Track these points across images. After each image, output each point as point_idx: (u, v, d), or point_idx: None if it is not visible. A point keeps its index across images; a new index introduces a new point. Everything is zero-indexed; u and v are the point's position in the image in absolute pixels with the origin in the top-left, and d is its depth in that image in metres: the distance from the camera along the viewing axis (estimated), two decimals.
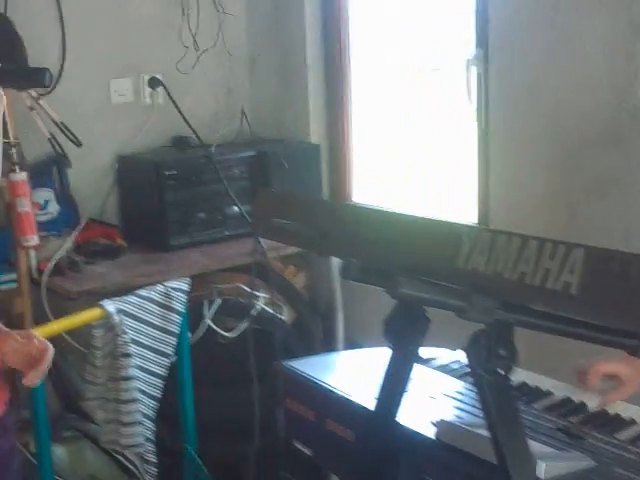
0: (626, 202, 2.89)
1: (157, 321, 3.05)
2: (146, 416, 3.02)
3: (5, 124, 3.18)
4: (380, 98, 3.92)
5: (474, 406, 1.93)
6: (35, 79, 3.24)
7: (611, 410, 1.98)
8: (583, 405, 2.01)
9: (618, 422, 1.93)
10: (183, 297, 3.10)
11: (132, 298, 3.00)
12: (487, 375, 1.44)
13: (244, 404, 3.48)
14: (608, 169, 2.93)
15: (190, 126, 3.69)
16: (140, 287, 3.08)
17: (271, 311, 3.48)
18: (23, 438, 2.90)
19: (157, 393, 3.07)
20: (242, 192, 3.66)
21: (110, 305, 2.92)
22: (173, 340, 3.09)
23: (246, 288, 3.53)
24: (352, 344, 3.77)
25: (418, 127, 3.82)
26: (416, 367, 1.88)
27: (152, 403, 3.06)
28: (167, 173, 3.52)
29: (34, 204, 3.27)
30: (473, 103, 3.32)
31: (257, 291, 3.55)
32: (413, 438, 1.88)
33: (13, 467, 2.24)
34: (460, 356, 2.34)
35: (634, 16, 2.76)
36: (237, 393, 3.51)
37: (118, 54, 3.80)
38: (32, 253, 3.24)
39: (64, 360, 3.46)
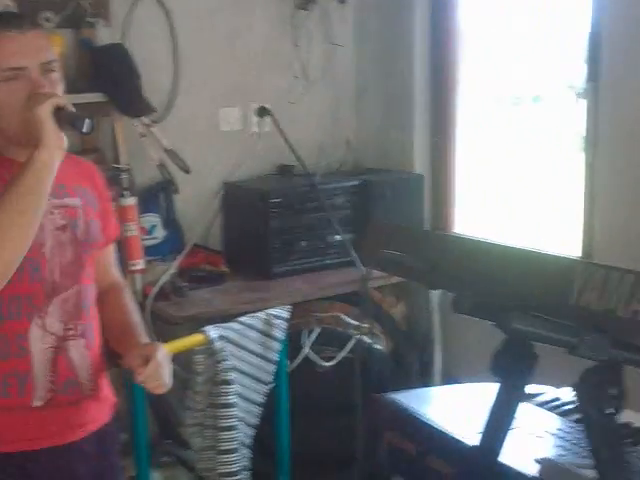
0: None
1: (257, 348, 3.06)
2: (243, 444, 3.03)
3: (117, 150, 3.28)
4: (484, 128, 3.89)
5: (578, 445, 1.89)
6: (139, 108, 3.35)
7: None
8: None
9: None
10: (284, 325, 3.12)
11: (234, 325, 3.02)
12: (597, 414, 1.41)
13: (339, 435, 3.47)
14: None
15: (296, 155, 3.71)
16: (242, 314, 3.10)
17: (369, 341, 3.48)
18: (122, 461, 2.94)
19: (255, 421, 3.08)
20: (344, 221, 3.68)
21: (213, 331, 2.95)
22: (272, 368, 3.10)
23: (345, 318, 3.54)
24: (448, 378, 3.73)
25: (521, 157, 3.78)
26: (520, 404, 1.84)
27: (249, 431, 3.06)
28: (272, 201, 3.55)
29: (141, 229, 3.34)
30: (580, 136, 3.29)
31: (357, 321, 3.54)
32: (516, 477, 1.84)
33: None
34: (563, 393, 2.29)
35: None
36: (333, 424, 3.50)
37: (228, 83, 3.86)
38: (138, 277, 3.29)
39: None
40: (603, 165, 3.21)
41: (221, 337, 2.95)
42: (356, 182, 3.75)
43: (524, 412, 2.17)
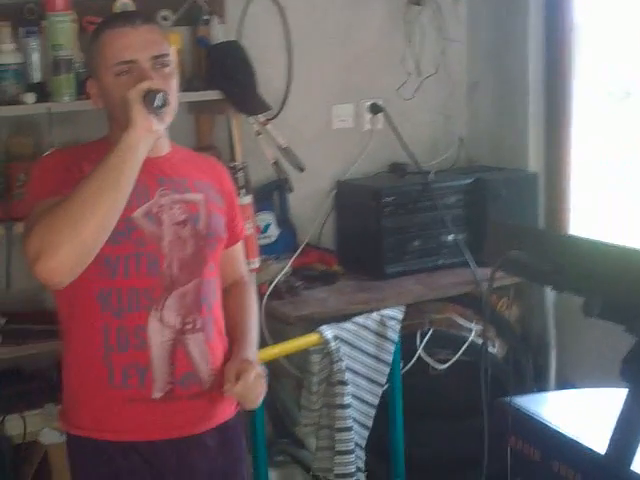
0: None
1: (371, 349, 3.07)
2: (358, 445, 3.04)
3: (233, 148, 3.30)
4: (599, 124, 3.80)
5: None
6: (255, 107, 3.36)
7: None
8: None
9: None
10: (397, 326, 3.11)
11: (349, 325, 3.03)
12: None
13: (453, 438, 3.46)
14: None
15: (409, 152, 3.68)
16: (356, 314, 3.10)
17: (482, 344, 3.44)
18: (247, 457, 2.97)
19: (369, 422, 3.08)
20: (457, 220, 3.63)
21: (328, 331, 2.96)
22: (386, 369, 3.10)
23: (459, 319, 3.51)
24: (563, 382, 3.67)
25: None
26: None
27: (364, 432, 3.07)
28: (385, 200, 3.52)
29: (256, 228, 3.35)
30: None
31: (471, 323, 3.51)
32: None
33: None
34: None
35: None
36: (446, 426, 3.49)
37: (341, 80, 3.85)
38: (253, 276, 3.30)
39: (278, 384, 3.52)
40: None
41: (336, 337, 2.96)
42: (470, 180, 3.70)
43: None
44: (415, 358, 3.39)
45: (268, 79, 3.57)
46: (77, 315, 2.08)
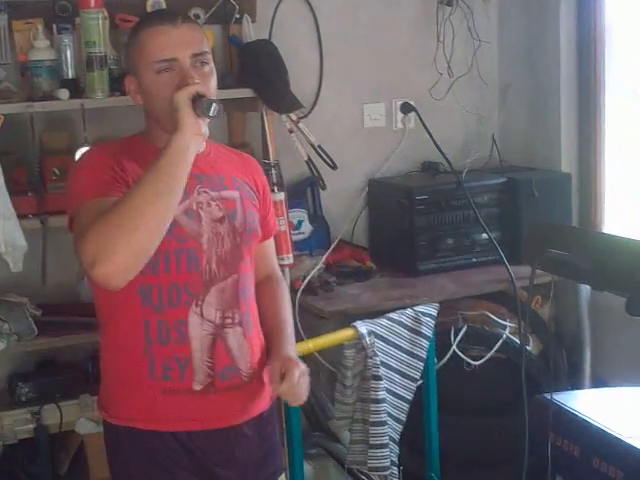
0: None
1: (406, 345, 3.05)
2: (392, 439, 3.02)
3: (266, 145, 3.31)
4: (633, 125, 3.78)
5: None
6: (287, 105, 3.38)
7: None
8: None
9: None
10: (432, 322, 3.10)
11: (383, 321, 3.02)
12: None
13: (488, 434, 3.44)
14: None
15: (441, 152, 3.68)
16: (390, 310, 3.10)
17: (517, 341, 3.43)
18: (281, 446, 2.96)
19: (403, 417, 3.07)
20: (490, 219, 3.62)
21: (362, 326, 2.95)
22: (420, 365, 3.08)
23: (492, 316, 3.49)
24: (597, 380, 3.64)
25: None
26: None
27: (398, 427, 3.06)
28: (418, 198, 3.53)
29: (289, 224, 3.36)
30: None
31: (504, 320, 3.50)
32: None
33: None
34: None
35: None
36: (481, 422, 3.47)
37: (373, 79, 3.86)
38: (286, 271, 3.31)
39: (312, 378, 3.51)
40: None
41: (370, 333, 2.95)
42: (502, 180, 3.69)
43: None
44: (449, 354, 3.37)
45: (300, 78, 3.59)
46: (117, 309, 2.09)
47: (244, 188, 2.21)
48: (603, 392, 3.08)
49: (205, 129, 1.96)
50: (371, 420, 2.95)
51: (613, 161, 3.80)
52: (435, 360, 3.19)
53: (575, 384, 3.59)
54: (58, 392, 3.08)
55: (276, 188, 3.26)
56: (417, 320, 3.07)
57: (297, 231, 3.59)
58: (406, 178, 3.84)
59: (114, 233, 1.81)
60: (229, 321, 2.11)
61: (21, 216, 2.91)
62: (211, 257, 2.09)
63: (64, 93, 3.01)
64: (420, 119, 3.79)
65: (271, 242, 2.41)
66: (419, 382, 3.09)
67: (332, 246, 3.61)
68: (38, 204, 3.00)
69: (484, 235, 3.59)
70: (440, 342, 3.27)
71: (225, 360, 2.10)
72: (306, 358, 3.03)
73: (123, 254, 1.81)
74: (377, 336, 2.97)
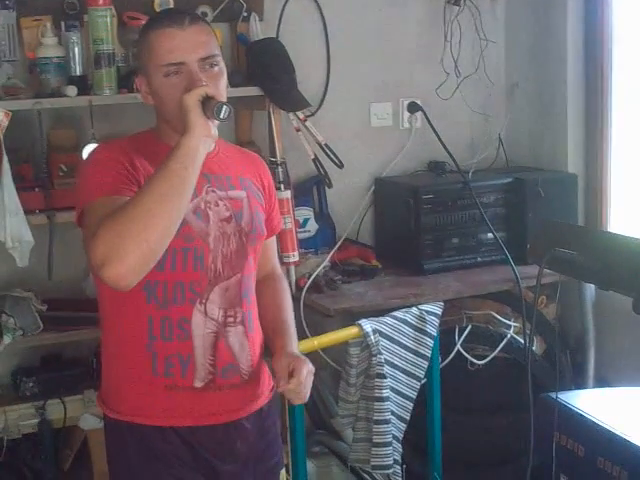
0: None
1: (410, 343, 3.06)
2: (395, 438, 3.03)
3: (273, 143, 3.31)
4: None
5: None
6: (294, 104, 3.39)
7: None
8: None
9: None
10: (436, 321, 3.11)
11: (388, 319, 3.03)
12: None
13: (491, 433, 3.44)
14: None
15: (448, 151, 3.68)
16: (395, 309, 3.10)
17: (522, 341, 3.43)
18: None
19: (406, 415, 3.08)
20: (496, 219, 3.62)
21: (367, 325, 2.96)
22: (424, 363, 3.09)
23: (497, 316, 3.50)
24: (601, 380, 3.64)
25: None
26: None
27: (401, 425, 3.07)
28: (424, 197, 3.53)
29: (295, 222, 3.37)
30: None
31: (509, 320, 3.50)
32: None
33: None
34: None
35: None
36: (484, 422, 3.48)
37: (380, 78, 3.87)
38: (292, 269, 3.32)
39: (316, 376, 3.52)
40: None
41: (375, 331, 2.96)
42: (509, 180, 3.69)
43: None
44: (453, 353, 3.37)
45: (306, 76, 3.60)
46: (121, 305, 2.10)
47: (251, 188, 2.23)
48: (608, 392, 3.08)
49: (215, 130, 1.96)
50: (375, 418, 2.96)
51: (619, 161, 3.80)
52: (439, 359, 3.19)
53: (579, 384, 3.60)
54: (62, 387, 3.10)
55: (282, 186, 3.27)
56: (422, 319, 3.07)
57: (303, 229, 3.60)
58: (412, 177, 3.84)
59: (124, 234, 1.82)
60: (231, 320, 2.12)
61: (28, 211, 2.92)
62: (217, 256, 2.10)
63: (72, 90, 3.02)
64: (427, 118, 3.79)
65: (273, 241, 2.43)
66: (423, 381, 3.10)
67: (338, 244, 3.62)
68: (45, 200, 3.01)
69: (490, 235, 3.59)
70: (444, 341, 3.28)
71: (226, 358, 2.12)
72: (309, 355, 3.05)
73: (133, 255, 1.82)
74: (382, 334, 2.98)
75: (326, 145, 3.52)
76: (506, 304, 3.53)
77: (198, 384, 2.09)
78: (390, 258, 3.65)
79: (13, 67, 3.12)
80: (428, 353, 3.09)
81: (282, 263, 3.23)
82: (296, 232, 3.35)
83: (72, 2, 3.18)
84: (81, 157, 2.91)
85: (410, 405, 3.08)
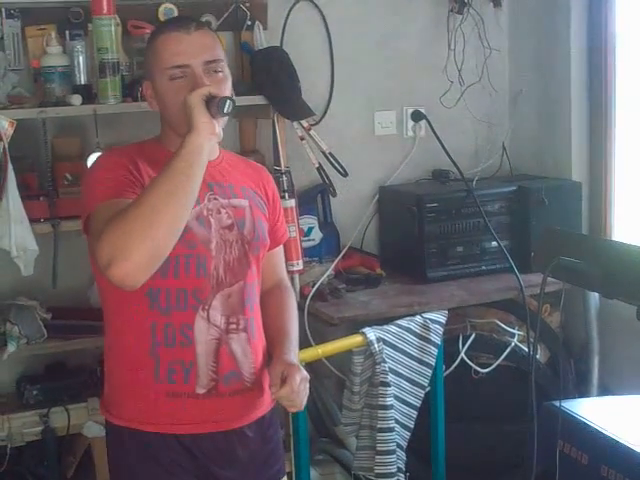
0: None
1: (414, 352, 3.06)
2: (399, 446, 3.03)
3: (278, 152, 3.32)
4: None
5: None
6: (299, 113, 3.39)
7: None
8: None
9: None
10: (440, 329, 3.11)
11: (392, 327, 3.03)
12: None
13: (495, 441, 3.44)
14: None
15: (452, 159, 3.69)
16: (399, 317, 3.10)
17: (526, 349, 3.43)
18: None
19: (410, 424, 3.08)
20: (500, 227, 3.63)
21: (371, 333, 2.96)
22: (428, 372, 3.09)
23: (501, 324, 3.50)
24: (604, 389, 3.64)
25: None
26: None
27: (405, 433, 3.07)
28: (428, 205, 3.53)
29: (299, 230, 3.37)
30: None
31: (513, 328, 3.50)
32: None
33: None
34: None
35: None
36: (488, 430, 3.47)
37: (383, 87, 3.87)
38: (296, 278, 3.32)
39: (320, 384, 3.53)
40: None
41: (379, 339, 2.96)
42: (513, 188, 3.69)
43: None
44: (457, 362, 3.38)
45: (311, 85, 3.60)
46: (124, 311, 2.11)
47: (254, 197, 2.24)
48: (612, 400, 3.08)
49: (219, 129, 1.98)
50: (378, 426, 2.96)
51: (624, 169, 3.80)
52: (443, 367, 3.19)
53: (583, 393, 3.59)
54: (66, 395, 3.10)
55: (287, 195, 3.28)
56: (426, 327, 3.08)
57: (307, 238, 3.60)
58: (416, 186, 3.84)
59: (130, 232, 1.83)
60: (233, 327, 2.13)
61: (33, 220, 2.92)
62: (219, 263, 2.11)
63: (77, 99, 3.02)
64: (431, 127, 3.79)
65: (280, 251, 2.43)
66: (427, 389, 3.10)
67: (342, 253, 3.62)
68: (50, 208, 3.01)
69: (494, 243, 3.59)
70: (448, 349, 3.28)
71: (229, 365, 2.13)
72: (313, 364, 3.06)
73: (139, 253, 1.83)
74: (386, 343, 2.98)
75: (330, 154, 3.52)
76: (510, 312, 3.53)
77: (200, 391, 2.10)
78: (394, 266, 3.65)
79: (18, 76, 3.14)
80: (432, 361, 3.09)
81: (287, 272, 3.25)
82: (300, 241, 3.36)
83: (77, 11, 3.19)
84: (86, 166, 2.91)
85: (414, 413, 3.08)
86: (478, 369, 3.43)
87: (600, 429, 2.44)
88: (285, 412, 2.75)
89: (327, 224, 3.71)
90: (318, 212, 3.70)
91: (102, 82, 3.07)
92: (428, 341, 3.07)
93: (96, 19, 3.05)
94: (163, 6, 3.26)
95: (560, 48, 3.80)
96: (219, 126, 1.98)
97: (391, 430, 2.96)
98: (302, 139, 3.47)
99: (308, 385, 2.15)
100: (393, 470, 2.97)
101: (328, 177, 3.55)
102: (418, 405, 3.08)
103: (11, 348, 2.95)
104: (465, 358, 3.40)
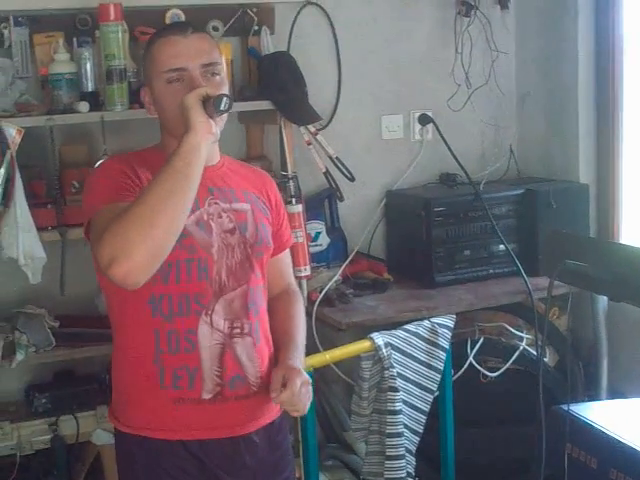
0: None
1: (422, 356, 3.06)
2: (408, 451, 3.03)
3: (285, 157, 3.32)
4: None
5: None
6: (305, 117, 3.39)
7: None
8: None
9: None
10: (448, 334, 3.10)
11: (400, 332, 3.03)
12: None
13: (504, 445, 3.43)
14: None
15: (459, 163, 3.68)
16: (407, 322, 3.10)
17: (534, 353, 3.42)
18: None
19: (419, 428, 3.07)
20: (508, 230, 3.63)
21: (379, 338, 2.96)
22: (437, 376, 3.09)
23: (510, 328, 3.49)
24: (614, 392, 3.63)
25: None
26: None
27: (414, 438, 3.06)
28: (436, 209, 3.53)
29: (306, 236, 3.37)
30: None
31: (521, 332, 3.49)
32: None
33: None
34: None
35: None
36: (497, 434, 3.47)
37: (390, 91, 3.87)
38: (304, 283, 3.32)
39: (328, 389, 3.53)
40: None
41: (387, 344, 2.96)
42: (520, 191, 3.69)
43: None
44: (466, 366, 3.37)
45: (318, 90, 3.60)
46: (128, 318, 2.12)
47: (256, 201, 2.24)
48: (621, 403, 3.07)
49: (216, 129, 1.98)
50: (387, 431, 2.96)
51: (631, 171, 3.79)
52: (452, 371, 3.19)
53: (592, 396, 3.59)
54: (75, 403, 3.11)
55: (294, 200, 3.28)
56: (434, 332, 3.07)
57: (314, 243, 3.60)
58: (424, 190, 3.84)
59: (130, 231, 1.84)
60: (237, 331, 2.13)
61: (40, 228, 2.93)
62: (221, 267, 2.11)
63: (84, 106, 3.03)
64: (438, 130, 3.79)
65: (287, 256, 2.43)
66: (435, 394, 3.10)
67: (349, 258, 3.62)
68: (57, 216, 3.02)
69: (502, 247, 3.59)
70: (457, 354, 3.27)
71: (234, 370, 2.12)
72: (322, 369, 3.06)
73: (139, 251, 1.84)
74: (394, 348, 2.98)
75: (337, 158, 3.53)
76: (518, 316, 3.53)
77: (206, 396, 2.10)
78: (402, 271, 3.65)
79: (26, 83, 3.14)
80: (440, 366, 3.08)
81: (295, 277, 3.24)
82: (308, 246, 3.35)
83: (84, 18, 3.20)
84: None
85: (423, 418, 3.07)
86: (487, 373, 3.42)
87: (609, 432, 2.44)
88: (293, 418, 2.75)
89: (334, 229, 3.71)
90: (325, 217, 3.70)
91: (109, 89, 3.08)
92: (436, 345, 3.07)
93: (103, 26, 3.05)
94: (170, 12, 3.26)
95: (567, 50, 3.80)
96: (217, 126, 1.99)
97: (400, 435, 2.96)
98: (309, 144, 3.47)
99: (311, 389, 2.15)
100: (403, 475, 2.97)
101: (335, 182, 3.56)
102: (427, 410, 3.07)
103: (20, 356, 2.96)
104: (474, 362, 3.39)
